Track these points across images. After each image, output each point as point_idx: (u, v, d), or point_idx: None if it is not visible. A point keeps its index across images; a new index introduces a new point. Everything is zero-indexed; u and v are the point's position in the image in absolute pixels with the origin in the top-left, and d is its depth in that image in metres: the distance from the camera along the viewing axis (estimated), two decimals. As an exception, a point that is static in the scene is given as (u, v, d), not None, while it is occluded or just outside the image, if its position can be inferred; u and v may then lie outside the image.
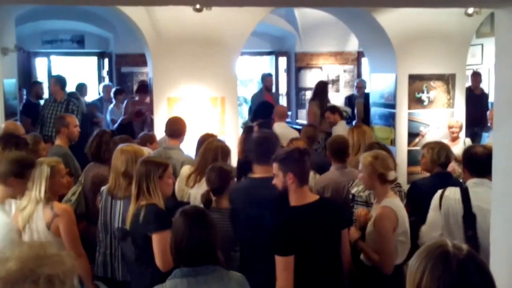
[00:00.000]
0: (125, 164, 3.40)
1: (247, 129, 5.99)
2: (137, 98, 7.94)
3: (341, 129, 6.61)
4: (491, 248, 2.17)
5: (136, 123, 7.30)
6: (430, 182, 4.02)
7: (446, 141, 5.97)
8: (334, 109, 7.17)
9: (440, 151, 4.08)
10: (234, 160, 6.22)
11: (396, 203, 3.27)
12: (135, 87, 9.65)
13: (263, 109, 7.77)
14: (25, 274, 1.18)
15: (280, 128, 6.47)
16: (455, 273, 1.30)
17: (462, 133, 6.98)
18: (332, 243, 2.91)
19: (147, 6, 6.19)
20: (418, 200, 3.84)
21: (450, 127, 6.66)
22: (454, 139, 6.46)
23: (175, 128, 4.80)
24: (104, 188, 3.59)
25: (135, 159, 3.36)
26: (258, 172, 3.23)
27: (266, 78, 9.15)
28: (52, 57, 10.43)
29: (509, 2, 1.80)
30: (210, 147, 3.98)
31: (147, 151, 4.01)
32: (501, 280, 1.91)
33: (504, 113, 1.96)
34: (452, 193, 3.32)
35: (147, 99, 7.30)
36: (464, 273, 1.30)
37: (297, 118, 9.88)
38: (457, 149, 5.99)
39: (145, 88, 7.63)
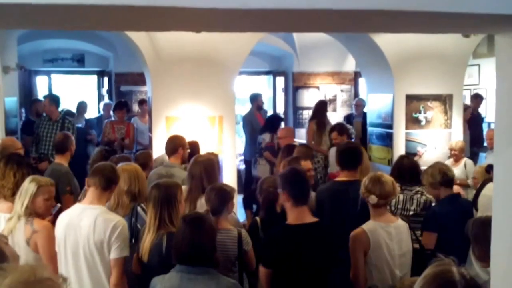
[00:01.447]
0: (128, 182, 3.43)
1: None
2: (114, 118, 7.70)
3: None
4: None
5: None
6: (442, 210, 3.88)
7: (447, 161, 5.99)
8: (343, 130, 6.40)
9: (432, 172, 4.01)
10: (228, 175, 6.27)
11: (375, 227, 3.21)
12: (134, 106, 9.75)
13: (272, 122, 8.00)
14: None
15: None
16: None
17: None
18: (321, 267, 2.90)
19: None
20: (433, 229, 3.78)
21: (450, 150, 6.62)
22: (456, 160, 6.39)
23: (172, 146, 4.82)
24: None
25: (137, 177, 3.44)
26: (343, 176, 3.92)
27: (257, 97, 8.95)
28: (53, 76, 10.52)
29: (510, 26, 1.83)
30: (194, 163, 3.93)
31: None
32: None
33: (505, 141, 1.96)
34: None
35: (146, 116, 7.28)
36: None
37: (294, 137, 9.91)
38: (458, 170, 5.98)
39: (121, 105, 7.60)
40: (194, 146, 5.32)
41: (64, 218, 3.10)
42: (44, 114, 6.77)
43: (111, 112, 8.83)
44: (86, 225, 2.97)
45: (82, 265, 2.99)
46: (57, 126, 6.46)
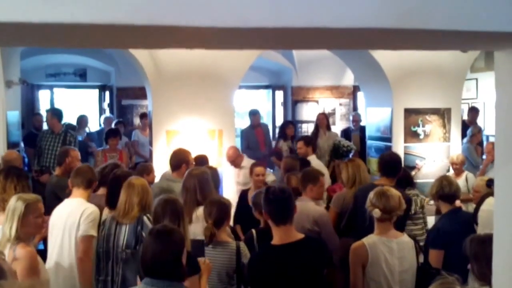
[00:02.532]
0: (140, 195, 3.53)
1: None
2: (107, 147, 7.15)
3: (313, 163, 5.81)
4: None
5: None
6: (445, 226, 3.85)
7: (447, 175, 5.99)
8: (309, 141, 6.43)
9: (434, 184, 4.01)
10: (228, 188, 6.29)
11: (375, 241, 3.19)
12: (135, 119, 9.83)
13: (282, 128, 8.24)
14: None
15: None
16: None
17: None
18: (309, 284, 2.84)
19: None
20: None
21: (451, 163, 6.58)
22: (457, 174, 6.34)
23: (175, 162, 4.84)
24: (107, 217, 3.67)
25: (147, 190, 3.58)
26: (382, 182, 4.24)
27: (253, 116, 8.41)
28: (55, 90, 10.62)
29: (509, 43, 1.85)
30: (188, 177, 3.97)
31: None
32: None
33: (505, 157, 1.97)
34: None
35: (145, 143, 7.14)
36: None
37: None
38: (459, 184, 5.94)
39: (114, 133, 7.10)
40: (202, 160, 5.34)
41: (55, 211, 3.79)
42: (47, 128, 6.82)
43: (112, 126, 8.93)
44: (67, 212, 3.72)
45: (64, 244, 3.67)
46: (59, 139, 6.51)
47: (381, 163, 4.50)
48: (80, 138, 8.25)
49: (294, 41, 1.95)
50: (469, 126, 8.18)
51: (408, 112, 7.35)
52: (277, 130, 10.92)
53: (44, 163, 6.48)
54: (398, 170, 4.39)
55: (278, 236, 2.85)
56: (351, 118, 9.45)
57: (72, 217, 3.67)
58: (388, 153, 5.01)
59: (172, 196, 3.35)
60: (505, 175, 1.97)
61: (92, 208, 3.70)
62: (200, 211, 3.70)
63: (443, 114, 7.49)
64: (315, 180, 4.19)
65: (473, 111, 8.78)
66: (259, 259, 2.91)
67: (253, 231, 3.71)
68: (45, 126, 8.22)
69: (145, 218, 3.52)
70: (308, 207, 3.95)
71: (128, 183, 3.60)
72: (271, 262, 2.80)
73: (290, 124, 8.46)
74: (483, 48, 3.06)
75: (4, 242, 2.95)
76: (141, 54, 6.44)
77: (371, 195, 3.29)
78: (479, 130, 7.49)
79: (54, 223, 3.74)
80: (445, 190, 3.90)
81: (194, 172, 4.02)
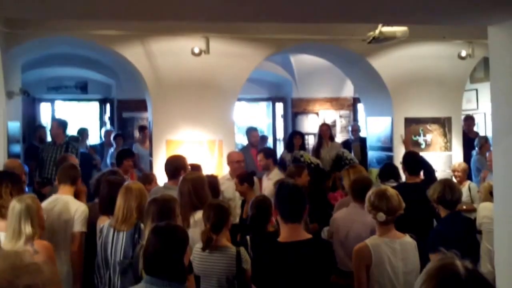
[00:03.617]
0: (138, 199, 3.49)
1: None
2: None
3: (275, 176, 5.57)
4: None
5: None
6: (446, 229, 3.76)
7: None
8: (270, 153, 6.15)
9: (435, 187, 3.86)
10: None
11: (378, 242, 3.14)
12: (135, 132, 9.84)
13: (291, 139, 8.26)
14: (2, 286, 1.13)
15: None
16: None
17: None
18: (314, 285, 2.78)
19: (148, 53, 6.43)
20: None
21: (453, 171, 6.43)
22: (460, 182, 6.12)
23: (169, 168, 4.79)
24: (105, 224, 3.62)
25: (144, 195, 3.54)
26: (409, 180, 4.96)
27: (251, 133, 8.01)
28: (56, 102, 10.65)
29: (502, 18, 1.88)
30: (183, 181, 3.97)
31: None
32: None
33: (502, 133, 1.99)
34: None
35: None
36: None
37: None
38: (464, 192, 5.87)
39: (130, 154, 6.40)
40: (196, 169, 5.31)
41: (44, 206, 3.80)
42: (50, 140, 6.82)
43: (111, 139, 8.94)
44: (58, 208, 3.97)
45: (59, 238, 3.87)
46: (61, 150, 6.51)
47: (404, 164, 5.13)
48: (82, 150, 8.25)
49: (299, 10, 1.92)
50: (468, 135, 8.13)
51: (409, 121, 7.36)
52: (277, 143, 10.95)
53: (45, 174, 6.47)
54: (419, 167, 5.05)
55: (285, 234, 2.79)
56: (350, 128, 9.43)
57: (66, 214, 3.96)
58: (407, 153, 5.62)
59: (163, 196, 3.31)
60: (502, 149, 1.98)
61: (83, 206, 4.05)
62: (198, 215, 3.66)
63: (444, 123, 7.49)
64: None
65: (469, 120, 8.71)
66: (265, 256, 2.86)
67: (247, 237, 3.68)
68: (48, 138, 8.25)
69: (142, 225, 3.48)
70: (365, 214, 3.72)
71: (126, 188, 3.56)
72: (276, 259, 2.76)
73: (298, 135, 8.34)
74: (477, 22, 3.04)
75: (14, 241, 3.08)
76: (141, 65, 6.49)
77: (371, 197, 3.22)
78: (486, 140, 7.43)
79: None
80: (446, 197, 3.75)
81: (188, 176, 4.01)
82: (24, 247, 3.06)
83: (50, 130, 6.86)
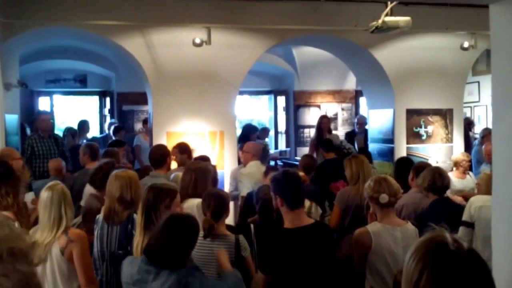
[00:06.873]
0: (120, 190, 3.37)
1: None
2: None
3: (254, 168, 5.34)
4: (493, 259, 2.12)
5: None
6: (434, 212, 3.83)
7: (449, 174, 5.87)
8: (184, 149, 5.52)
9: (424, 175, 3.98)
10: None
11: (379, 229, 3.14)
12: (135, 125, 9.78)
13: (246, 132, 8.07)
14: None
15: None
16: (457, 274, 1.25)
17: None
18: (322, 267, 2.85)
19: (148, 44, 6.37)
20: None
21: (460, 161, 5.99)
22: (462, 173, 5.95)
23: (154, 157, 4.79)
24: (99, 216, 3.56)
25: (130, 184, 3.37)
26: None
27: (250, 132, 7.87)
28: (55, 96, 10.58)
29: None
30: (187, 170, 3.97)
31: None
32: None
33: (502, 108, 1.99)
34: None
35: None
36: (467, 273, 1.25)
37: (296, 155, 9.90)
38: (466, 182, 5.79)
39: (120, 144, 6.52)
40: (185, 148, 5.36)
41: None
42: (34, 133, 6.80)
43: (111, 132, 8.89)
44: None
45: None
46: (51, 144, 6.49)
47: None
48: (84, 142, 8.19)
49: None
50: (469, 127, 8.07)
51: (410, 113, 7.32)
52: (279, 136, 10.91)
53: (39, 168, 6.40)
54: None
55: (289, 221, 2.90)
56: (355, 120, 9.38)
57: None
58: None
59: (155, 184, 3.27)
60: (502, 127, 1.97)
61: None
62: (187, 203, 3.65)
63: (445, 115, 7.46)
64: None
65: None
66: (273, 242, 2.89)
67: (251, 224, 3.68)
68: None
69: (135, 215, 3.43)
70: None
71: (110, 178, 3.48)
72: (283, 245, 2.82)
73: (325, 118, 8.38)
74: (479, 1, 3.07)
75: (55, 230, 3.05)
76: (141, 57, 6.42)
77: (371, 184, 3.23)
78: (490, 132, 7.36)
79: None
80: (437, 183, 3.93)
81: (192, 166, 4.02)
82: (61, 235, 3.05)
83: (42, 123, 6.74)
